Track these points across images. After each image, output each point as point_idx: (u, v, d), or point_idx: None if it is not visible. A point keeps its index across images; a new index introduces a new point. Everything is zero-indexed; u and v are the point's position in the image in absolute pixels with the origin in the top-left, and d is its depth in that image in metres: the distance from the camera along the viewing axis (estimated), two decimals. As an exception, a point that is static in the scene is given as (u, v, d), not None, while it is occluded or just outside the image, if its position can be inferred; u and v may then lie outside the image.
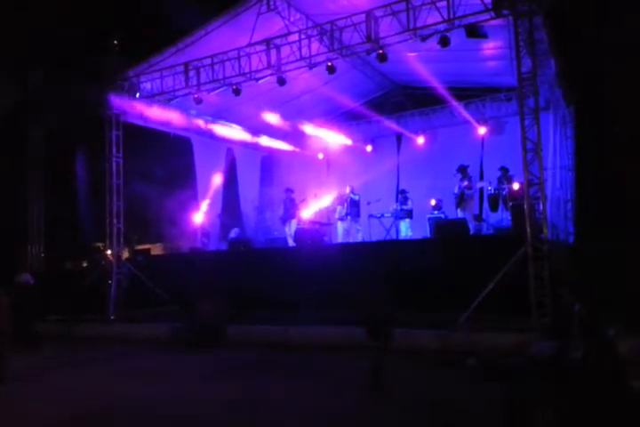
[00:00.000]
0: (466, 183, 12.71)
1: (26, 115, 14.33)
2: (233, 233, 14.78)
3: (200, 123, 14.44)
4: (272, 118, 14.77)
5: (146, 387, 6.80)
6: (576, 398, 3.92)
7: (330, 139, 16.28)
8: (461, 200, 12.65)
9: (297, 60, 10.82)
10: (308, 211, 15.53)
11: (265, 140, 16.49)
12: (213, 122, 14.83)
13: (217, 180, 16.22)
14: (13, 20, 15.64)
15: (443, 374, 6.83)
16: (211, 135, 15.44)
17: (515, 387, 4.31)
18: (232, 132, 15.41)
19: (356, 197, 14.22)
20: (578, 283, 7.88)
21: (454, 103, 14.97)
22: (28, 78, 14.34)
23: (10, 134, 14.23)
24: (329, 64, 10.82)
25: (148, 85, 12.57)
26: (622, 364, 4.06)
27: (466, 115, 14.86)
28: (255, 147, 16.91)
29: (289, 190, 14.97)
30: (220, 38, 11.83)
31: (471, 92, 14.91)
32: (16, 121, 14.23)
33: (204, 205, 15.58)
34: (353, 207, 14.07)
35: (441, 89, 14.63)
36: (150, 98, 12.52)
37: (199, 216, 15.46)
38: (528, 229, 8.55)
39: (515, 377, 4.37)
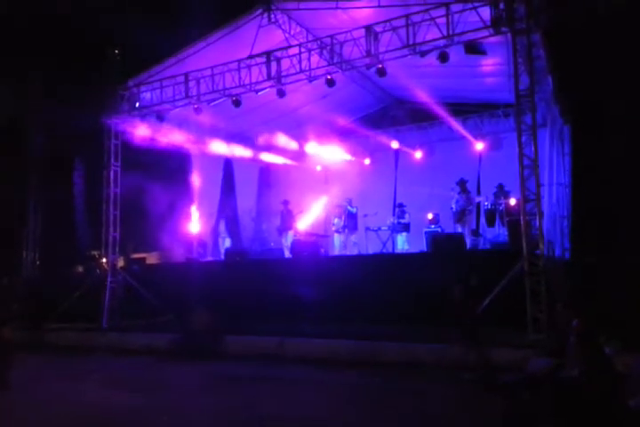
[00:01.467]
0: (465, 199, 12.71)
1: (26, 124, 14.35)
2: (225, 242, 14.76)
3: (200, 142, 14.73)
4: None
5: (140, 398, 6.74)
6: (573, 415, 3.91)
7: (329, 154, 16.34)
8: (462, 216, 12.66)
9: (297, 73, 10.89)
10: (303, 222, 15.56)
11: (265, 156, 16.69)
12: (213, 139, 15.06)
13: (214, 190, 16.26)
14: (14, 27, 15.74)
15: (439, 388, 6.79)
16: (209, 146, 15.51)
17: (511, 403, 4.30)
18: (232, 149, 15.62)
19: (354, 210, 14.25)
20: (574, 299, 7.88)
21: (452, 118, 15.09)
22: (27, 88, 14.39)
23: (9, 142, 14.25)
24: (328, 77, 10.89)
25: (147, 95, 12.61)
26: (619, 381, 4.06)
27: (463, 130, 14.97)
28: (253, 158, 17.01)
29: (286, 202, 15.03)
30: (221, 50, 11.90)
31: (469, 108, 15.03)
32: (16, 129, 14.26)
33: (200, 215, 15.56)
34: (350, 220, 14.10)
35: (439, 104, 14.75)
36: (149, 108, 12.54)
37: (195, 226, 15.44)
38: (524, 245, 8.58)
39: (511, 393, 4.36)
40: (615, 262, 9.17)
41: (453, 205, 12.83)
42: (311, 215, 15.97)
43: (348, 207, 14.14)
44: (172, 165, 14.95)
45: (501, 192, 12.63)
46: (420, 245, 12.96)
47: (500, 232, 12.42)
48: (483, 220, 13.32)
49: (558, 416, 4.00)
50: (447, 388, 6.72)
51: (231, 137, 16.07)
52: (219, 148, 15.21)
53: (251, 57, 11.24)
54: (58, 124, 13.98)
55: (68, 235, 16.04)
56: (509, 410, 4.21)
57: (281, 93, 11.30)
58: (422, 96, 14.63)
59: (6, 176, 14.34)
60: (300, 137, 16.97)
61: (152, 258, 15.31)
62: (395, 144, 15.58)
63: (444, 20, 9.38)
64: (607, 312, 6.67)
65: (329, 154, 16.36)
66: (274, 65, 11.00)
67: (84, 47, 15.34)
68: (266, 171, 18.32)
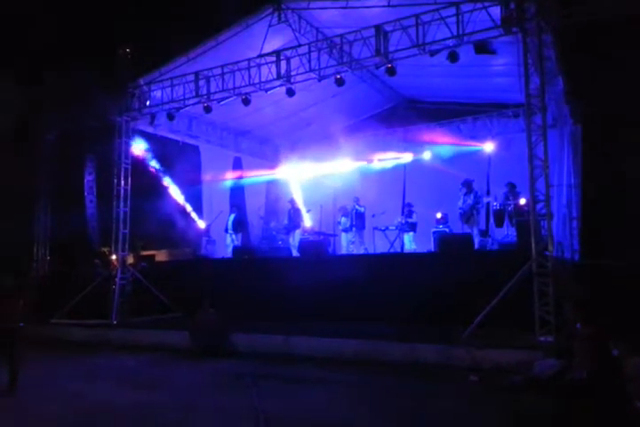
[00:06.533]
0: (472, 200, 12.66)
1: (37, 122, 14.48)
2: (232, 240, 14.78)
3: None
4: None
5: (148, 395, 6.79)
6: (580, 416, 3.91)
7: (337, 154, 16.38)
8: (469, 216, 12.62)
9: (306, 72, 10.90)
10: (311, 221, 15.61)
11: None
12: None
13: (224, 187, 16.36)
14: (28, 26, 15.86)
15: (444, 389, 6.78)
16: (219, 143, 15.61)
17: (515, 404, 4.30)
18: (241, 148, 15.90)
19: (362, 209, 14.26)
20: (582, 301, 7.84)
21: (462, 118, 15.07)
22: (39, 87, 14.52)
23: (20, 141, 14.39)
24: (337, 77, 10.89)
25: (158, 93, 12.68)
26: (627, 383, 4.05)
27: (472, 130, 14.94)
28: (263, 157, 17.16)
29: (293, 201, 15.09)
30: (231, 48, 11.95)
31: (479, 108, 14.98)
32: (27, 128, 14.39)
33: (209, 213, 15.63)
34: (358, 219, 14.11)
35: (448, 104, 14.71)
36: (160, 106, 12.58)
37: (204, 224, 15.51)
38: (533, 246, 8.53)
39: (515, 395, 4.36)
40: (624, 264, 9.09)
41: (460, 206, 12.78)
42: (317, 214, 15.96)
43: (356, 206, 14.14)
44: (183, 162, 15.03)
45: (511, 192, 12.56)
46: (428, 245, 12.94)
47: (508, 233, 12.36)
48: (492, 220, 13.26)
49: (565, 418, 3.99)
50: (452, 389, 6.71)
51: (241, 134, 16.19)
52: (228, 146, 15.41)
53: (260, 56, 11.27)
54: (69, 122, 14.09)
55: (78, 232, 16.17)
56: (516, 412, 4.21)
57: (290, 92, 11.30)
58: (432, 95, 14.61)
59: (18, 174, 14.47)
60: (309, 136, 17.02)
61: (161, 255, 15.39)
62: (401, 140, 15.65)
63: (454, 19, 9.36)
64: (615, 314, 6.64)
65: (337, 154, 16.34)
66: (283, 64, 11.01)
67: (96, 46, 15.44)
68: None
